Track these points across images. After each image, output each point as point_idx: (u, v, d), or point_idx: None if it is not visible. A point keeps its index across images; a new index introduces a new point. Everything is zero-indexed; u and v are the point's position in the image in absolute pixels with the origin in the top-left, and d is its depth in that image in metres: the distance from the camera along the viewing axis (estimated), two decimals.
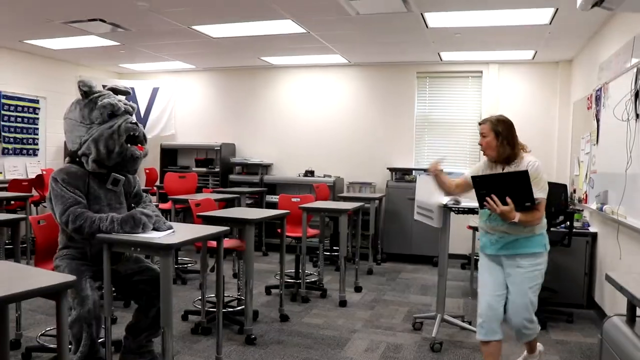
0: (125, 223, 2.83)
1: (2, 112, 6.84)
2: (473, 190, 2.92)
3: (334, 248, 6.69)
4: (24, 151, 7.23)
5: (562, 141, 6.54)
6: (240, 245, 4.11)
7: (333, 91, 7.69)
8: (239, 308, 4.38)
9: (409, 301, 5.07)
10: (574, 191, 5.62)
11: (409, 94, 7.34)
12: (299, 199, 5.56)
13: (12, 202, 5.63)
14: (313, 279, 5.49)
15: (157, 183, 7.68)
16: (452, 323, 4.06)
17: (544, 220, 2.94)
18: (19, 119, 7.11)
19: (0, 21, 5.47)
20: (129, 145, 3.01)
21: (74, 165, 3.00)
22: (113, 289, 2.99)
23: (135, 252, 2.90)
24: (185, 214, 6.39)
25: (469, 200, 3.61)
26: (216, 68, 8.14)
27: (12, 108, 6.98)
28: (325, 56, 6.98)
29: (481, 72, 7.02)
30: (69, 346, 2.93)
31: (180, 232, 3.00)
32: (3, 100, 6.85)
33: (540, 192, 2.81)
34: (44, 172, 6.75)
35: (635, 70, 3.66)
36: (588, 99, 5.19)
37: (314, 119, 7.75)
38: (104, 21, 5.28)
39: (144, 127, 5.13)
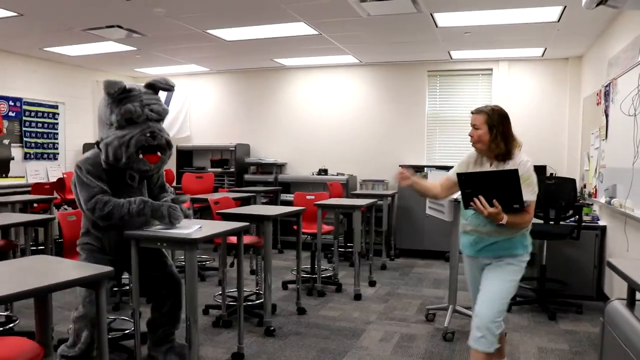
0: (157, 210, 2.92)
1: (24, 118, 7.06)
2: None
3: (348, 244, 6.81)
4: (45, 155, 7.42)
5: (572, 137, 6.58)
6: (258, 241, 4.26)
7: (345, 91, 7.81)
8: (257, 302, 4.53)
9: (422, 294, 5.18)
10: (584, 186, 5.69)
11: (420, 92, 7.43)
12: (313, 197, 5.67)
13: (35, 204, 5.83)
14: (328, 274, 5.62)
15: (174, 184, 7.85)
16: (463, 314, 4.15)
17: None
18: (40, 125, 7.31)
19: (22, 31, 5.67)
20: (140, 156, 2.95)
21: (99, 155, 2.96)
22: (126, 280, 3.03)
23: (162, 246, 3.02)
24: (202, 212, 6.55)
25: None
26: (230, 70, 8.29)
27: (33, 114, 7.19)
28: (337, 57, 7.09)
29: (491, 69, 7.08)
30: (66, 338, 3.05)
31: (203, 228, 3.12)
32: (24, 107, 7.07)
33: (530, 194, 2.57)
34: (65, 176, 6.96)
35: None
36: (597, 94, 5.25)
37: (326, 118, 7.87)
38: (121, 27, 5.42)
39: None
